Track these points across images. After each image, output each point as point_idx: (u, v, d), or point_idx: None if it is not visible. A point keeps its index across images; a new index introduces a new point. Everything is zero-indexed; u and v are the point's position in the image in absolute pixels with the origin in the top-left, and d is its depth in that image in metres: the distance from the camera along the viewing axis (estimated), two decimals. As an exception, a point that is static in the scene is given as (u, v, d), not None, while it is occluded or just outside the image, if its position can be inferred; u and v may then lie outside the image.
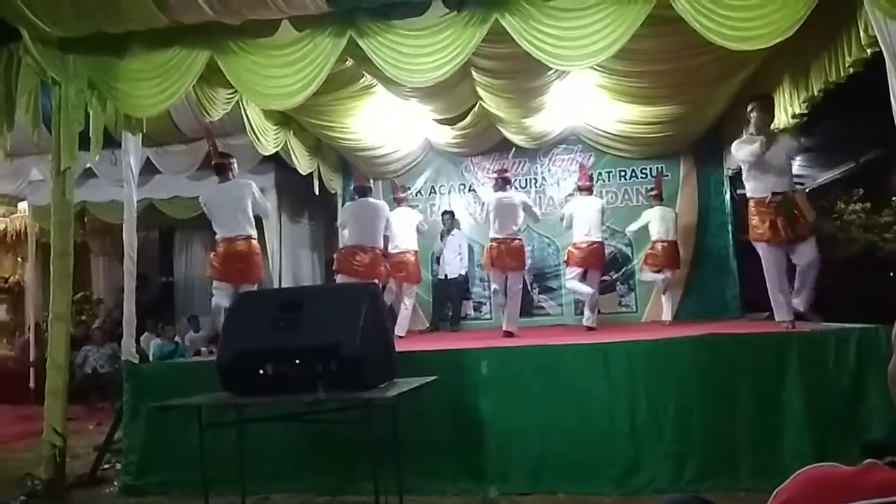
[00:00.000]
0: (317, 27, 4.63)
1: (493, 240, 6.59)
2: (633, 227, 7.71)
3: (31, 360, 9.30)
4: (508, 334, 6.26)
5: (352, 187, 7.58)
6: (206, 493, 3.36)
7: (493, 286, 6.98)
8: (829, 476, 0.83)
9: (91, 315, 10.59)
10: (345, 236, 6.93)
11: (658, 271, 7.55)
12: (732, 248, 8.17)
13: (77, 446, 5.21)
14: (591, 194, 7.38)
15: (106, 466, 5.04)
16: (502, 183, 6.82)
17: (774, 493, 0.85)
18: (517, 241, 6.63)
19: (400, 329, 7.01)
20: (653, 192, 7.80)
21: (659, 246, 7.43)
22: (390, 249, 7.21)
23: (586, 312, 6.86)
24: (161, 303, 11.04)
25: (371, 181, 7.89)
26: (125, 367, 4.95)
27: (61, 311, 4.83)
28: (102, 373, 8.74)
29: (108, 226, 9.24)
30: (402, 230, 7.34)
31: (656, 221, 7.49)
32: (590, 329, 6.68)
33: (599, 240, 6.97)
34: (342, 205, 9.08)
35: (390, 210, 7.17)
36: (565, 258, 7.26)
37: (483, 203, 8.00)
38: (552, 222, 8.36)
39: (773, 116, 5.36)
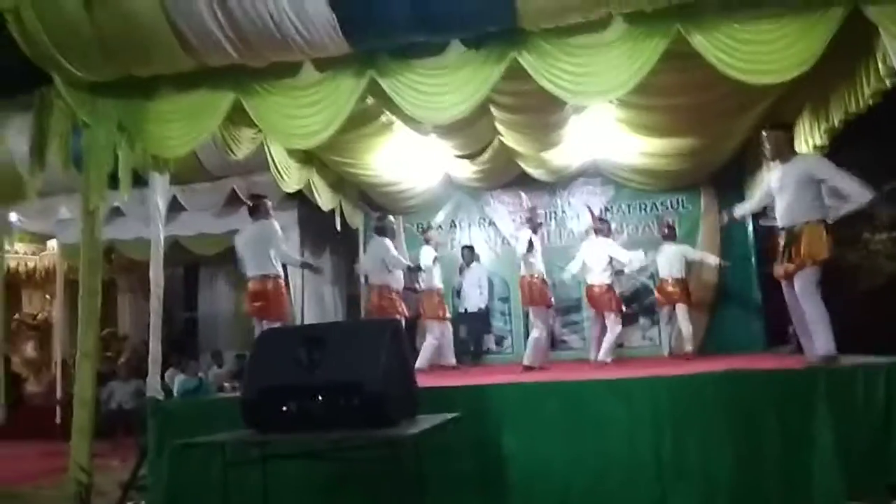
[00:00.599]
0: (338, 68, 4.74)
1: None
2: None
3: (57, 396, 9.40)
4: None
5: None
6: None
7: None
8: None
9: (117, 351, 10.69)
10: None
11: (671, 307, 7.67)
12: (756, 280, 8.08)
13: (102, 483, 5.21)
14: (603, 235, 7.45)
15: (131, 503, 5.05)
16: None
17: None
18: None
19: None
20: (662, 232, 7.95)
21: (666, 283, 7.61)
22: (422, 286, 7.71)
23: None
24: (185, 338, 11.13)
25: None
26: (150, 404, 4.98)
27: (89, 348, 4.90)
28: (127, 409, 8.79)
29: (134, 263, 9.37)
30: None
31: (662, 260, 7.68)
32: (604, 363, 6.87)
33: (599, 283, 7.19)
34: (363, 240, 9.18)
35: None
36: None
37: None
38: (574, 255, 8.34)
39: (783, 142, 4.88)
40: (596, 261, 7.23)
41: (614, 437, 4.11)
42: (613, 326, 7.10)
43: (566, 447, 4.15)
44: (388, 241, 7.15)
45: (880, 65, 4.31)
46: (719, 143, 7.08)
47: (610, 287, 7.22)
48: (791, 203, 4.57)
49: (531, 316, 7.03)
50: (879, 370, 3.92)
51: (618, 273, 7.47)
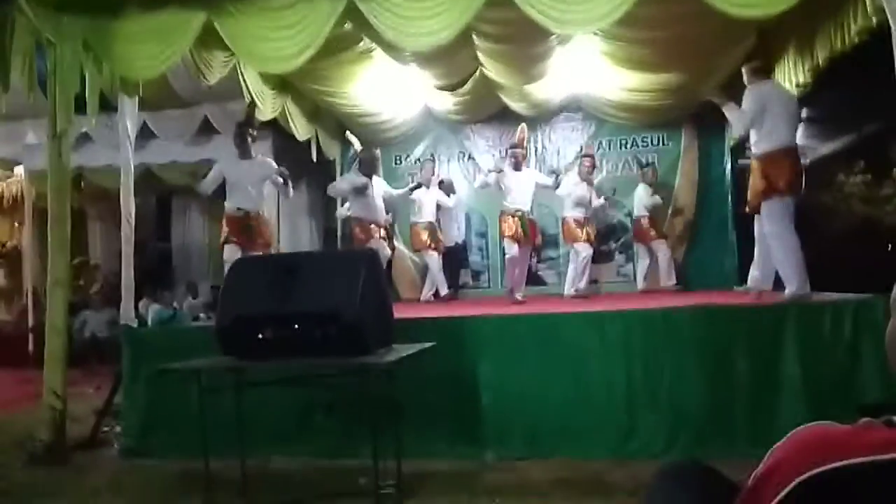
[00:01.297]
0: (315, -11, 4.55)
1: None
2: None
3: (29, 324, 9.32)
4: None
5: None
6: (207, 456, 3.39)
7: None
8: (825, 434, 0.84)
9: (89, 280, 10.59)
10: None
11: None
12: (731, 219, 8.16)
13: (77, 410, 5.23)
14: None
15: (105, 429, 5.08)
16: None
17: (770, 450, 0.86)
18: None
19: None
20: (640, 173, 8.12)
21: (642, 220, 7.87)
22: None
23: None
24: (159, 269, 11.03)
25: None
26: (124, 332, 4.96)
27: (60, 276, 4.82)
28: (101, 337, 8.77)
29: (104, 191, 9.17)
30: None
31: (637, 198, 7.96)
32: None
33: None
34: (340, 171, 9.05)
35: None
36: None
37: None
38: (551, 192, 8.33)
39: (754, 71, 4.97)
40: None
41: (587, 368, 4.20)
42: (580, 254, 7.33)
43: (539, 378, 4.23)
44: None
45: (868, 1, 4.23)
46: (703, 79, 6.99)
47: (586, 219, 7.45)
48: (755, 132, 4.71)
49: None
50: (848, 307, 4.01)
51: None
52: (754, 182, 4.69)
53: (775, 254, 4.61)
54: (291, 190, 6.32)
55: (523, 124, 7.40)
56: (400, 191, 7.35)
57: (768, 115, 4.62)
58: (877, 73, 4.37)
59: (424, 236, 7.90)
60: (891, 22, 3.97)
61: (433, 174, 8.18)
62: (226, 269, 5.72)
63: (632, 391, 4.14)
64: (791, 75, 5.68)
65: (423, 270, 8.40)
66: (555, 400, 4.18)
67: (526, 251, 7.08)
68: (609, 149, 8.63)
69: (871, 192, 9.68)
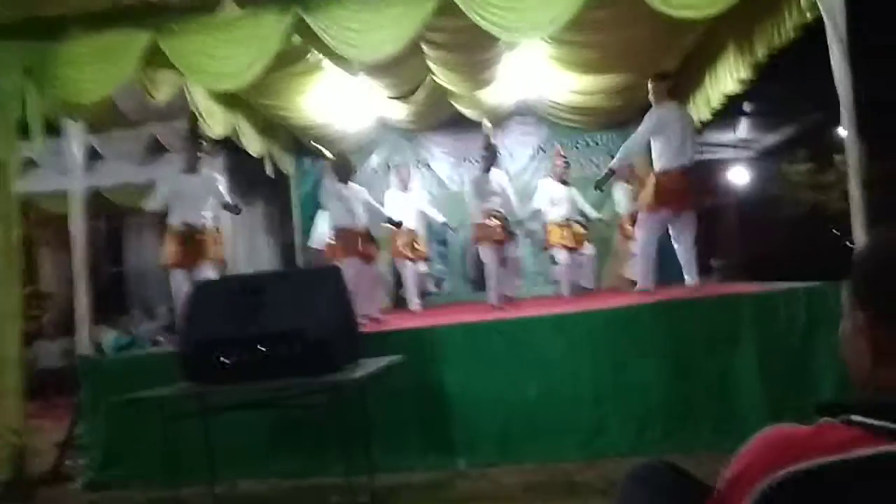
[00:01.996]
0: (261, 3, 4.51)
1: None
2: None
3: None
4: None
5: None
6: (176, 484, 3.32)
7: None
8: (788, 436, 0.86)
9: (41, 309, 10.28)
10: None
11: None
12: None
13: (37, 444, 5.08)
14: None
15: (68, 462, 4.94)
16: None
17: (736, 455, 0.88)
18: None
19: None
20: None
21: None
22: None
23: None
24: (113, 293, 10.77)
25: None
26: (81, 363, 4.84)
27: (11, 307, 4.68)
28: (57, 368, 8.52)
29: (53, 216, 8.93)
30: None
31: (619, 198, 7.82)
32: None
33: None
34: (296, 186, 8.97)
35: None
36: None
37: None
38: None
39: (660, 90, 5.41)
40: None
41: (554, 369, 4.25)
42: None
43: (507, 382, 4.27)
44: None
45: (802, -1, 4.40)
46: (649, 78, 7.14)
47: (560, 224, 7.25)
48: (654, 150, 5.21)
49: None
50: (800, 295, 4.13)
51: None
52: (642, 192, 5.31)
53: (639, 253, 5.41)
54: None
55: (486, 122, 7.14)
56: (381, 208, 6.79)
57: (664, 136, 5.04)
58: (814, 65, 4.54)
59: (400, 244, 7.38)
60: (824, 17, 4.14)
61: (409, 178, 7.69)
62: (173, 294, 5.64)
63: (598, 390, 4.20)
64: (732, 71, 5.85)
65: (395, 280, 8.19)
66: (523, 403, 4.21)
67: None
68: (563, 151, 8.72)
69: (816, 180, 10.01)
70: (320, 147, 7.22)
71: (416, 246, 7.51)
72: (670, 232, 5.29)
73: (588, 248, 7.49)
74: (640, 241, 5.35)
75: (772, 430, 0.89)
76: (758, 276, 7.43)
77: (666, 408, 4.12)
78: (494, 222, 6.35)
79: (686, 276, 5.36)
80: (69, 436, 5.00)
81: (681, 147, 5.06)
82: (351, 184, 6.28)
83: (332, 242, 6.36)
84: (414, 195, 7.72)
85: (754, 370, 4.06)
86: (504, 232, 6.42)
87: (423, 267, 7.71)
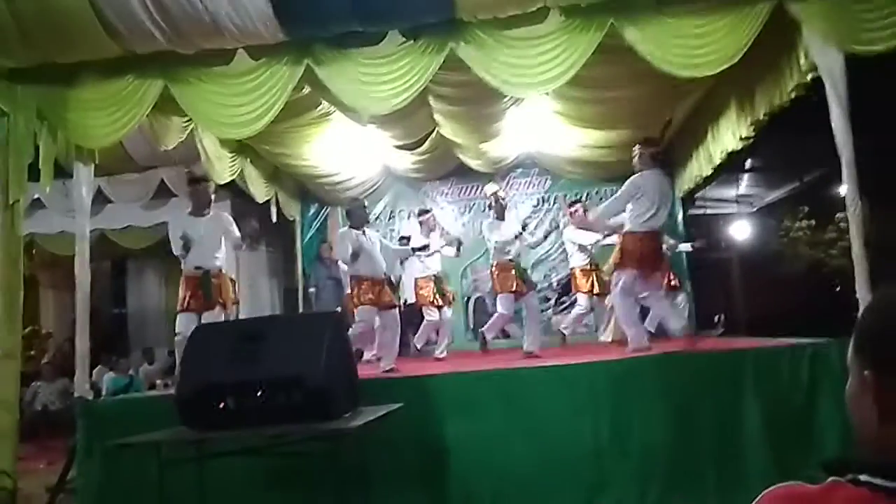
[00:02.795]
0: (273, 56, 4.63)
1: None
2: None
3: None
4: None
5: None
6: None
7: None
8: (798, 495, 0.86)
9: (40, 350, 10.24)
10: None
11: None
12: (686, 267, 8.34)
13: (29, 487, 4.99)
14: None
15: (59, 508, 4.85)
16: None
17: None
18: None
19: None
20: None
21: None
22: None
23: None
24: (114, 335, 10.75)
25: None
26: (78, 405, 4.79)
27: (10, 348, 4.67)
28: (53, 409, 8.44)
29: (57, 258, 8.97)
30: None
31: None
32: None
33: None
34: (301, 231, 9.03)
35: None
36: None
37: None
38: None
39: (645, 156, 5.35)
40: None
41: (554, 422, 4.19)
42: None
43: (507, 435, 4.20)
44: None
45: (802, 59, 4.49)
46: (651, 135, 7.25)
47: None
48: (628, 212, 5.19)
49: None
50: (803, 351, 4.11)
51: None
52: (615, 253, 5.37)
53: (618, 315, 5.42)
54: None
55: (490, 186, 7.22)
56: (395, 247, 6.71)
57: (640, 201, 5.09)
58: (815, 123, 4.62)
59: (426, 292, 7.20)
60: (824, 78, 4.23)
61: (435, 226, 7.41)
62: (176, 339, 5.48)
63: (599, 445, 4.14)
64: (734, 129, 5.93)
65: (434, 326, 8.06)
66: (522, 458, 4.14)
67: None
68: (565, 202, 8.82)
69: (816, 237, 10.04)
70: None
71: (444, 291, 7.30)
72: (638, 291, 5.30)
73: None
74: (621, 300, 5.28)
75: (781, 489, 0.88)
76: (758, 331, 7.41)
77: (670, 464, 4.05)
78: (513, 273, 6.36)
79: (671, 327, 5.53)
80: (62, 479, 4.92)
81: (654, 213, 5.12)
82: (367, 229, 6.11)
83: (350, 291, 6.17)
84: (436, 241, 7.55)
85: (758, 427, 4.01)
86: (522, 282, 6.41)
87: (447, 313, 7.43)
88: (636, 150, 5.34)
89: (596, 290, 7.28)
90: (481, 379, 4.53)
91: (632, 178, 5.19)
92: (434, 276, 7.21)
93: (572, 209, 7.44)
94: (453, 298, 7.61)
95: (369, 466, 3.40)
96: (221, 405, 3.19)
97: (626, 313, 5.27)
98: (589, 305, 7.39)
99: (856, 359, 0.94)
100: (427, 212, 7.40)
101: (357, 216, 6.01)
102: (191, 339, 3.67)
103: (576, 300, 7.65)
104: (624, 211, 5.20)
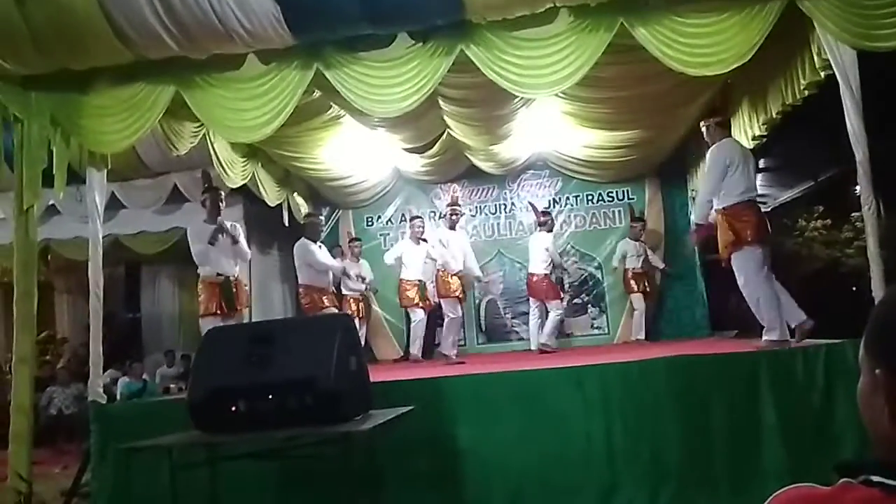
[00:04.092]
0: (283, 60, 4.64)
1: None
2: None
3: (-7, 403, 9.01)
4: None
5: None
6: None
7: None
8: (807, 497, 0.85)
9: (55, 355, 10.33)
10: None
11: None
12: (699, 268, 8.30)
13: (43, 491, 5.02)
14: (545, 230, 7.79)
15: (73, 511, 4.88)
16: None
17: None
18: None
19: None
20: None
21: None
22: None
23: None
24: (128, 340, 10.82)
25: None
26: (92, 408, 4.82)
27: (25, 353, 4.70)
28: (68, 414, 8.51)
29: (71, 263, 9.05)
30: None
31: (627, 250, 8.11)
32: (543, 351, 7.20)
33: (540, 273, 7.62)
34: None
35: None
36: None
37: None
38: (523, 247, 8.45)
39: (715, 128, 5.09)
40: (535, 252, 7.67)
41: (566, 424, 4.17)
42: (554, 311, 7.47)
43: (519, 437, 4.18)
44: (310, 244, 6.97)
45: (815, 57, 4.45)
46: (663, 134, 7.22)
47: (547, 276, 7.63)
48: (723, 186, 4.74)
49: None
50: (818, 353, 4.06)
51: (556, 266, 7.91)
52: (722, 235, 4.73)
53: (750, 302, 4.67)
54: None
55: (454, 185, 7.92)
56: (334, 264, 7.35)
57: (730, 170, 4.69)
58: (829, 122, 4.57)
59: (412, 293, 7.71)
60: (838, 76, 4.19)
61: (422, 231, 7.84)
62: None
63: (612, 446, 4.11)
64: (747, 128, 5.89)
65: (406, 329, 8.31)
66: (535, 460, 4.12)
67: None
68: (576, 204, 8.80)
69: (832, 236, 9.94)
70: (300, 200, 7.99)
71: (426, 294, 7.76)
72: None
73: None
74: (752, 282, 4.59)
75: (790, 491, 0.87)
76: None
77: (683, 466, 4.01)
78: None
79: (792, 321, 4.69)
80: (76, 483, 4.96)
81: (749, 180, 4.75)
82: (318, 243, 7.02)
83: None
84: (423, 246, 7.82)
85: (773, 429, 3.96)
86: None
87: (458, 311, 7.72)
88: (703, 127, 5.08)
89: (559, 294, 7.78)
90: (493, 381, 4.52)
91: (711, 151, 4.85)
92: (419, 281, 7.67)
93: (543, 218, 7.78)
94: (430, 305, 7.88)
95: (381, 469, 3.39)
96: (233, 408, 3.19)
97: (765, 298, 4.51)
98: (561, 310, 7.67)
99: (867, 357, 0.92)
100: (417, 218, 7.91)
101: (312, 230, 6.97)
102: (202, 342, 3.68)
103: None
104: (721, 188, 4.70)
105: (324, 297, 6.85)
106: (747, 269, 4.60)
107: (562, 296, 7.89)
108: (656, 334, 7.89)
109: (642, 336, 7.71)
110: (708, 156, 4.94)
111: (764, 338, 4.56)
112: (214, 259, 5.66)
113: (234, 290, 5.69)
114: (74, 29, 4.19)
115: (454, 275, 7.03)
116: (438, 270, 7.17)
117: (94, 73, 4.70)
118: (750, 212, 4.67)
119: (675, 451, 4.05)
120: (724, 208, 4.71)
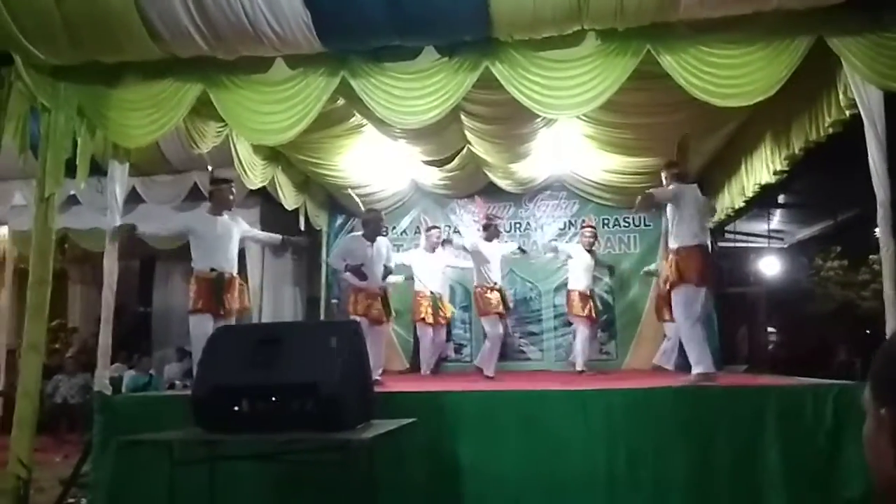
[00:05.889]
0: (310, 66, 4.69)
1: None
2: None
3: (0, 387, 9.07)
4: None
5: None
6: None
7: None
8: None
9: (65, 344, 10.38)
10: None
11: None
12: (713, 299, 8.21)
13: (42, 479, 5.05)
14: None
15: (71, 501, 4.89)
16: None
17: None
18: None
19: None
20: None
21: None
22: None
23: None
24: (138, 333, 10.87)
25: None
26: (97, 399, 4.84)
27: (35, 340, 4.74)
28: (73, 403, 8.55)
29: (88, 253, 9.12)
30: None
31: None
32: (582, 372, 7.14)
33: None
34: (328, 241, 9.08)
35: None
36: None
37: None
38: (535, 267, 8.44)
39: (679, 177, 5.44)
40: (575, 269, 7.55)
41: (568, 447, 4.13)
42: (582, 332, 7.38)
43: (520, 457, 4.15)
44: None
45: (841, 95, 4.43)
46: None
47: (583, 294, 7.41)
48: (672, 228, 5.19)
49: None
50: (828, 393, 4.00)
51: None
52: (669, 272, 5.12)
53: (682, 337, 5.12)
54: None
55: (477, 197, 7.92)
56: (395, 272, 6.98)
57: (682, 212, 5.07)
58: (852, 162, 4.54)
59: (423, 307, 7.52)
60: (863, 115, 4.16)
61: (439, 241, 7.72)
62: (191, 340, 5.48)
63: (613, 473, 4.07)
64: (768, 162, 5.86)
65: (414, 340, 8.27)
66: (535, 481, 4.09)
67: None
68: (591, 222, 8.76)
69: (849, 277, 9.84)
70: (355, 197, 7.43)
71: (440, 310, 7.62)
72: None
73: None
74: (686, 319, 4.98)
75: None
76: (784, 369, 7.25)
77: (684, 498, 3.96)
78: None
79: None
80: (75, 473, 4.97)
81: (702, 228, 5.17)
82: (380, 238, 6.41)
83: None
84: (441, 255, 7.77)
85: (778, 466, 3.91)
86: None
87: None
88: (663, 174, 5.48)
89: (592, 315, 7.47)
90: (497, 399, 4.49)
91: (689, 187, 5.26)
92: (431, 293, 7.50)
93: (587, 231, 7.65)
94: (450, 321, 8.00)
95: (380, 480, 3.37)
96: (235, 407, 3.19)
97: (693, 334, 4.94)
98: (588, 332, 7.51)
99: (872, 397, 0.91)
100: (435, 228, 7.81)
101: (372, 226, 6.33)
102: (209, 340, 3.69)
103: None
104: (674, 231, 5.14)
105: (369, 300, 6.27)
106: (683, 304, 4.98)
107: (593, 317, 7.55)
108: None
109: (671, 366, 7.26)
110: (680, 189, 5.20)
111: (693, 371, 4.85)
112: (207, 253, 5.44)
113: (228, 287, 5.43)
114: (108, 23, 4.26)
115: (493, 288, 6.81)
116: (476, 288, 6.93)
117: (123, 66, 4.77)
118: (697, 255, 4.99)
119: (678, 482, 4.00)
120: (675, 249, 5.07)
